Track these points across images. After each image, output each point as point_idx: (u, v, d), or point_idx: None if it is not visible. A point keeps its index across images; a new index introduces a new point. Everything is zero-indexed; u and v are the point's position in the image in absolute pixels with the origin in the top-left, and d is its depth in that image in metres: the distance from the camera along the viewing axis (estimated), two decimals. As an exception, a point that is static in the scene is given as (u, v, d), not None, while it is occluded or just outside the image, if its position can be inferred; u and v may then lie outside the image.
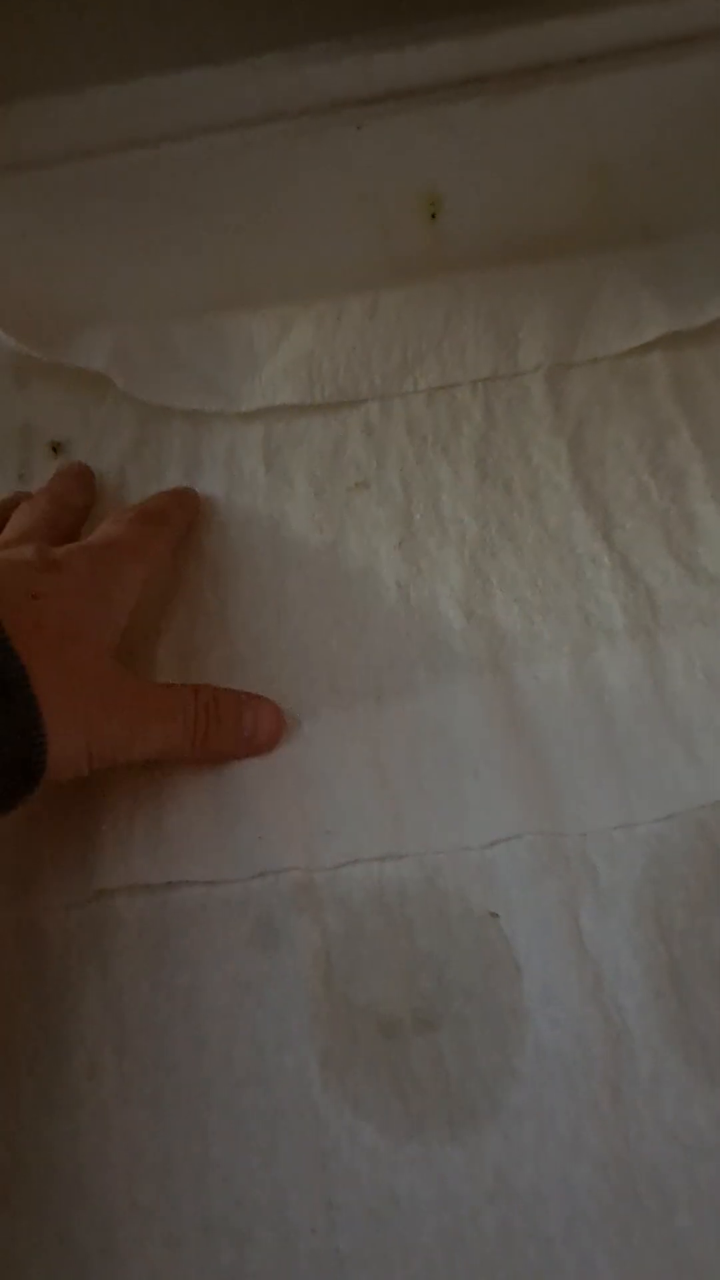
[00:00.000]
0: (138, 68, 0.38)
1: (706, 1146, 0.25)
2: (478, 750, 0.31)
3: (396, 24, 0.38)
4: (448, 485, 0.36)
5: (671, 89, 0.38)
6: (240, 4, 0.38)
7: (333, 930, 0.29)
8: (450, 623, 0.33)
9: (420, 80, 0.38)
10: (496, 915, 0.29)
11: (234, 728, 0.31)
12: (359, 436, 0.38)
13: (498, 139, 0.40)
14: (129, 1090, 0.27)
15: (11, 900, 0.30)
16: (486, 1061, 0.27)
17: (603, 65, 0.39)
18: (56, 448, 0.40)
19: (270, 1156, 0.26)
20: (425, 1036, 0.27)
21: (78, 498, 0.37)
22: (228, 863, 0.30)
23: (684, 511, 0.35)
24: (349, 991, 0.28)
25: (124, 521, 0.34)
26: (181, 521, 0.36)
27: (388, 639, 0.33)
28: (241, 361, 0.41)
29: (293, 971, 0.28)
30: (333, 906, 0.29)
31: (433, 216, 0.41)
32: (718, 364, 0.38)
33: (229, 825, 0.30)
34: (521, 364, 0.38)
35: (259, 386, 0.39)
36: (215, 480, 0.38)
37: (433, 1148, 0.26)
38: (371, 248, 0.41)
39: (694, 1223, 0.25)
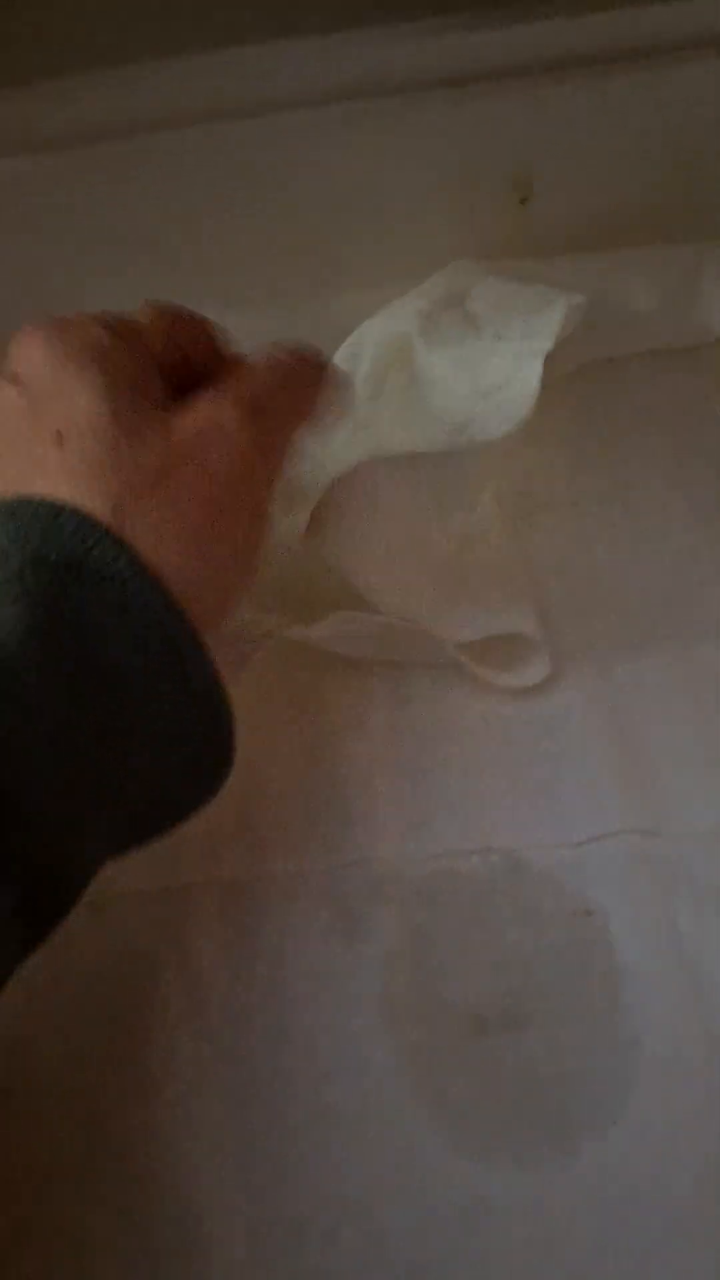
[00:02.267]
0: (220, 36, 0.38)
1: None
2: (576, 744, 0.30)
3: (495, 2, 0.38)
4: (538, 471, 0.35)
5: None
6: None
7: (418, 923, 0.28)
8: (546, 613, 0.32)
9: (518, 59, 0.37)
10: (590, 913, 0.28)
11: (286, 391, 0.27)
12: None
13: (592, 122, 0.39)
14: (208, 1081, 0.26)
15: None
16: (578, 1064, 0.26)
17: (701, 52, 0.38)
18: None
19: (356, 1155, 0.25)
20: (514, 1035, 0.26)
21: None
22: (314, 852, 0.29)
23: None
24: (435, 986, 0.27)
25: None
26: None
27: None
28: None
29: (376, 964, 0.27)
30: (418, 899, 0.28)
31: (522, 201, 0.40)
32: None
33: (316, 814, 0.29)
34: (623, 347, 0.37)
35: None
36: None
37: (524, 1152, 0.25)
38: (458, 233, 0.40)
39: None
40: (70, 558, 0.22)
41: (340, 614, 0.31)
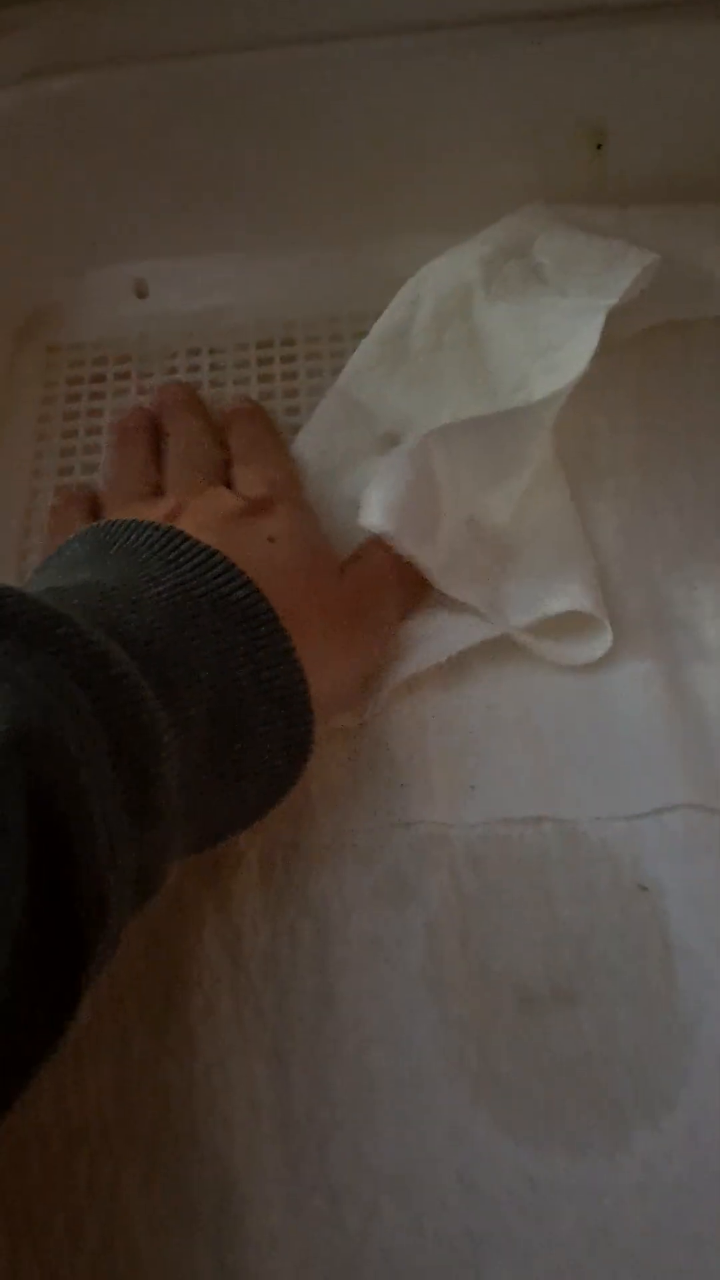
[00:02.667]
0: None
1: None
2: (635, 716, 0.29)
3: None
4: (603, 434, 0.34)
5: None
6: None
7: (468, 891, 0.27)
8: (608, 582, 0.31)
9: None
10: (645, 889, 0.27)
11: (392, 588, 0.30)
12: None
13: (675, 68, 0.37)
14: (248, 1041, 0.25)
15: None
16: (631, 1044, 0.25)
17: None
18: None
19: (399, 1125, 0.24)
20: (565, 1012, 0.25)
21: (205, 423, 0.35)
22: (363, 814, 0.27)
23: None
24: (483, 957, 0.26)
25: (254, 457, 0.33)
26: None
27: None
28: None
29: (424, 930, 0.26)
30: (469, 866, 0.27)
31: (598, 147, 0.38)
32: None
33: (367, 776, 0.28)
34: (697, 309, 0.35)
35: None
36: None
37: (574, 1133, 0.24)
38: (528, 177, 0.38)
39: None
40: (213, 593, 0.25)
41: None
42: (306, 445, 0.34)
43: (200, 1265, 0.23)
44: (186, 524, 0.27)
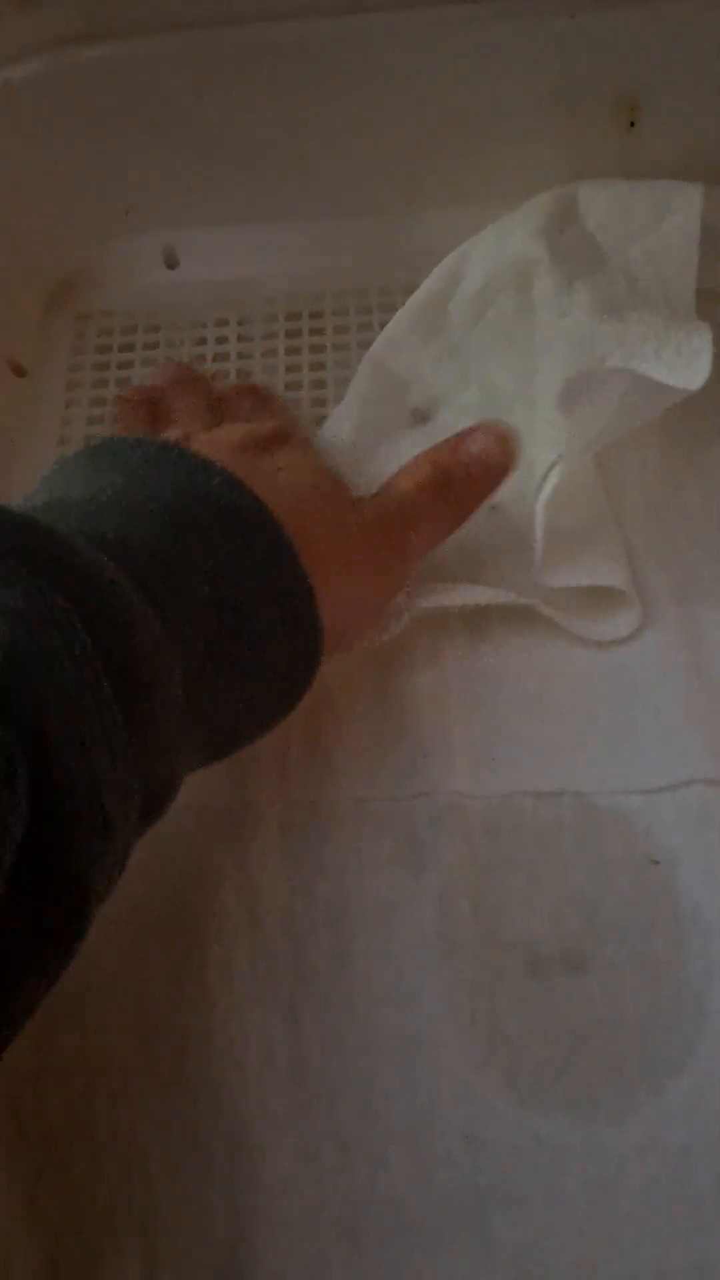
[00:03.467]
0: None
1: None
2: (655, 690, 0.29)
3: None
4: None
5: None
6: None
7: (483, 859, 0.27)
8: (632, 556, 0.31)
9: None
10: (657, 862, 0.27)
11: (467, 468, 0.30)
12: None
13: (707, 45, 0.37)
14: (264, 994, 0.26)
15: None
16: (637, 1011, 0.25)
17: None
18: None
19: (408, 1081, 0.25)
20: (573, 978, 0.26)
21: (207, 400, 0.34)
22: (382, 780, 0.28)
23: None
24: (495, 923, 0.27)
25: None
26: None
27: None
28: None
29: (438, 895, 0.27)
30: (484, 834, 0.28)
31: (631, 124, 0.38)
32: None
33: (390, 744, 0.29)
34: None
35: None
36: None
37: (579, 1094, 0.25)
38: (559, 154, 0.38)
39: None
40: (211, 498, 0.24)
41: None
42: (343, 418, 0.34)
43: (213, 1206, 0.23)
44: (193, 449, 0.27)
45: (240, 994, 0.26)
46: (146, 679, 0.21)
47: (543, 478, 0.30)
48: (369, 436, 0.34)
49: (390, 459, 0.33)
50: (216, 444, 0.27)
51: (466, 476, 0.30)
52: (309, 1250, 0.23)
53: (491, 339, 0.35)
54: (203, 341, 0.39)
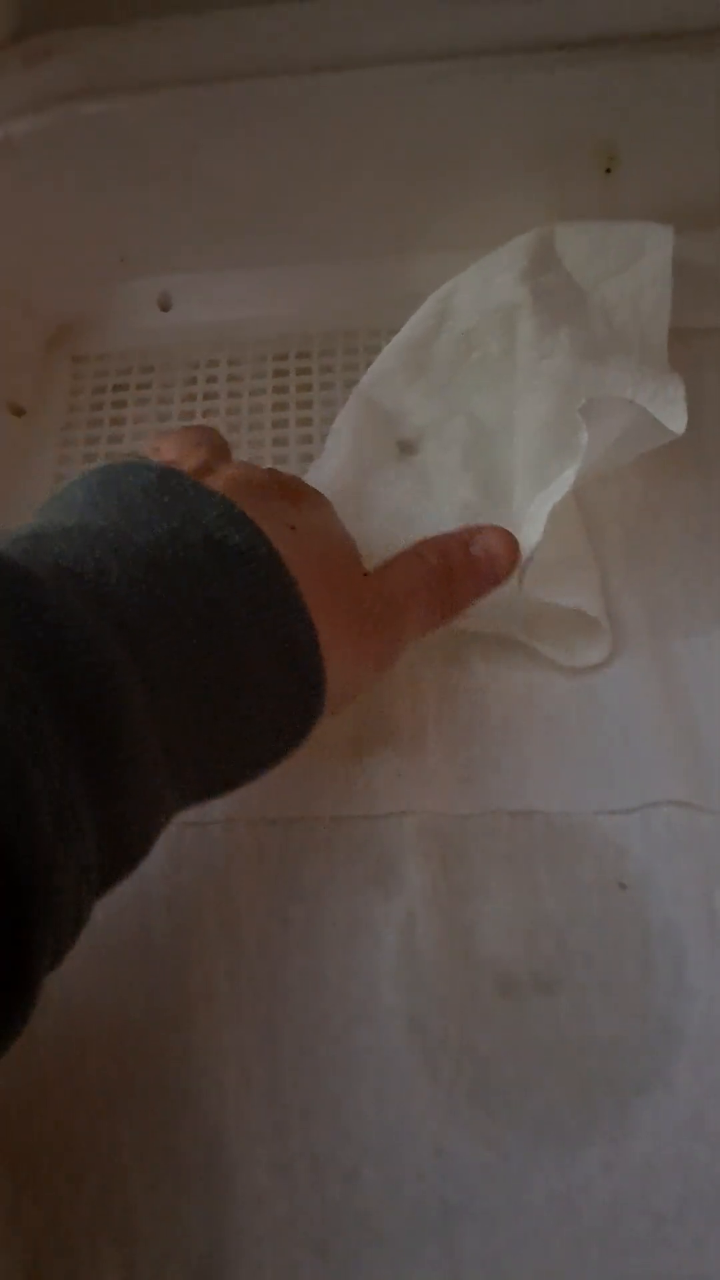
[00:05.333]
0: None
1: None
2: (626, 714, 0.30)
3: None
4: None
5: None
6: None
7: (455, 880, 0.28)
8: (609, 582, 0.32)
9: (616, 26, 0.37)
10: (626, 886, 0.28)
11: (471, 569, 0.30)
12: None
13: (686, 96, 0.38)
14: (241, 1012, 0.26)
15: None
16: (605, 1032, 0.26)
17: None
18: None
19: (380, 1098, 0.25)
20: (544, 999, 0.27)
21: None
22: (358, 801, 0.29)
23: None
24: (466, 944, 0.27)
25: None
26: None
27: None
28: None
29: (411, 916, 0.28)
30: (457, 856, 0.29)
31: (607, 171, 0.40)
32: None
33: (363, 764, 0.30)
34: (705, 318, 0.37)
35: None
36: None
37: (547, 1112, 0.25)
38: (540, 200, 0.40)
39: None
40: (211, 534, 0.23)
41: None
42: (333, 449, 0.35)
43: (190, 1220, 0.24)
44: (209, 484, 0.25)
45: (219, 1012, 0.26)
46: (113, 729, 0.20)
47: (536, 510, 0.32)
48: (357, 465, 0.35)
49: (377, 489, 0.34)
50: (237, 481, 0.26)
51: (469, 575, 0.30)
52: (281, 1262, 0.24)
53: (477, 378, 0.37)
54: (193, 381, 0.40)
